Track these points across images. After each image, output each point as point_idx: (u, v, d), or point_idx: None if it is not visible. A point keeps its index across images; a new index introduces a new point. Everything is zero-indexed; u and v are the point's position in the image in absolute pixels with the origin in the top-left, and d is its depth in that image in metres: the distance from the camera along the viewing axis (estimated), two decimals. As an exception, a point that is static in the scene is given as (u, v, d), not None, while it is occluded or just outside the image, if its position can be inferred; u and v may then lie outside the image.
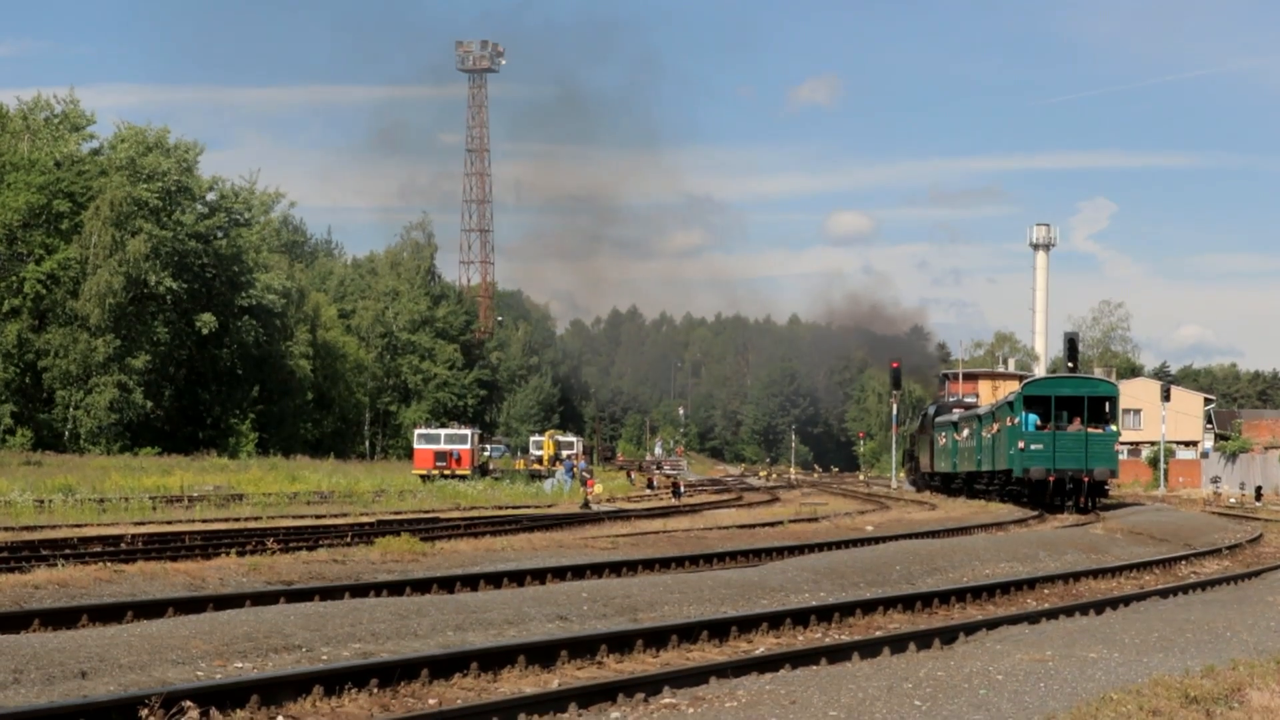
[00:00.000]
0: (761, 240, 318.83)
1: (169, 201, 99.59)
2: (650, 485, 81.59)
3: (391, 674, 13.31)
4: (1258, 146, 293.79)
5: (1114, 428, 47.20)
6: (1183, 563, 29.82)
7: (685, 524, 39.42)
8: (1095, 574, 26.12)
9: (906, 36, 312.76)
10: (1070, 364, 63.94)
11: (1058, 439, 45.72)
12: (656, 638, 16.08)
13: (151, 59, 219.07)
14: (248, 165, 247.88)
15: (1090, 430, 45.90)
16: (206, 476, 64.95)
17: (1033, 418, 46.61)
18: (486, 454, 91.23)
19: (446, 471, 75.42)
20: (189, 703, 11.56)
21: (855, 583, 22.80)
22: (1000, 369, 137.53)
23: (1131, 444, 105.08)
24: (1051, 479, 45.47)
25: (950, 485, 64.97)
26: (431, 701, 12.95)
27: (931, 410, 74.20)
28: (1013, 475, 48.32)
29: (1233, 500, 66.47)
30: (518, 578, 22.61)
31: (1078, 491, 45.96)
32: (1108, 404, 47.50)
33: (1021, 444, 46.18)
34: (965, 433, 61.09)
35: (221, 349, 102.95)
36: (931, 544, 29.26)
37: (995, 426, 53.24)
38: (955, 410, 68.65)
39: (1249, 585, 25.28)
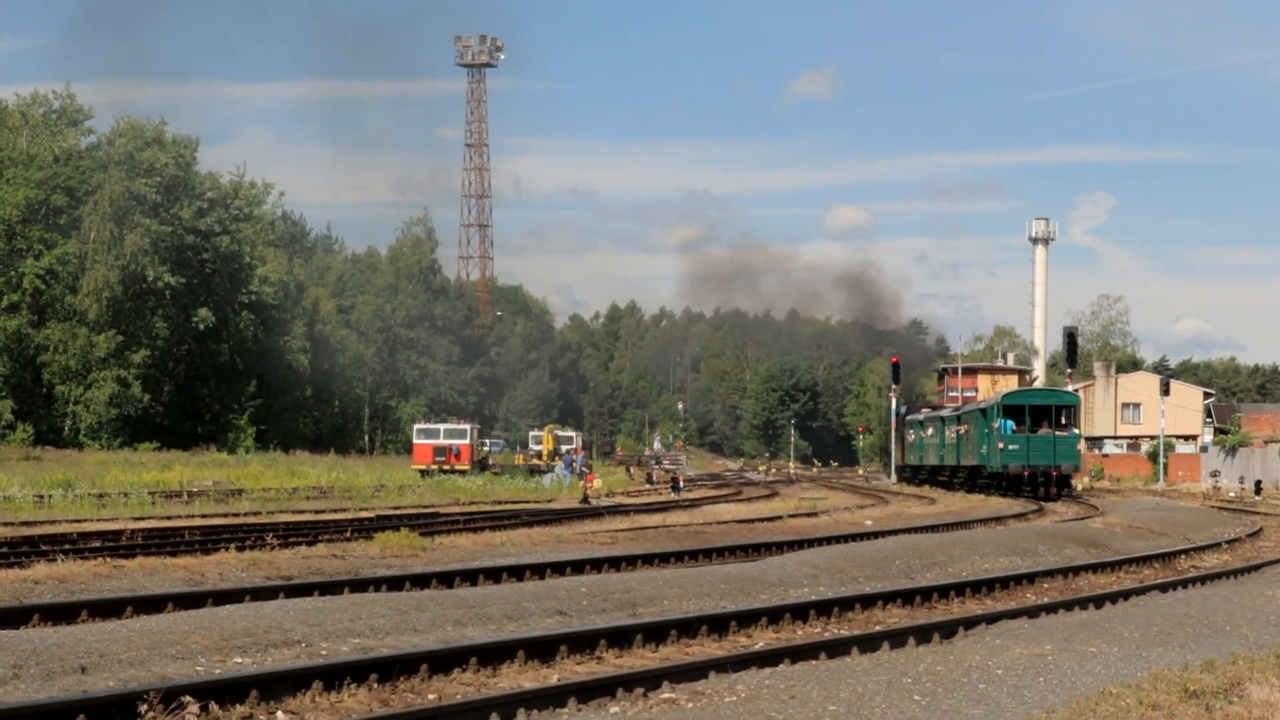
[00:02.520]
0: (761, 234, 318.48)
1: (167, 197, 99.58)
2: (649, 480, 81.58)
3: (391, 669, 13.31)
4: (1257, 140, 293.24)
5: (1076, 431, 56.74)
6: (1182, 557, 29.82)
7: (684, 519, 39.42)
8: (1094, 568, 26.15)
9: (904, 30, 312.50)
10: (1069, 359, 66.08)
11: (1032, 440, 54.62)
12: (656, 633, 16.09)
13: (150, 53, 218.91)
14: (246, 160, 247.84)
15: (1058, 433, 54.94)
16: (206, 472, 64.95)
17: (1009, 423, 55.33)
18: (486, 449, 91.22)
19: (446, 467, 75.41)
20: (188, 698, 11.56)
21: (854, 577, 22.81)
22: (999, 363, 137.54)
23: (1131, 438, 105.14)
24: (1026, 473, 54.60)
25: (917, 476, 75.18)
26: (431, 697, 12.95)
27: (903, 410, 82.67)
28: (985, 470, 57.86)
29: (1232, 494, 66.47)
30: (517, 573, 22.63)
31: (1048, 483, 54.56)
32: (1071, 411, 56.68)
33: (1001, 444, 54.98)
34: (930, 431, 71.98)
35: (220, 344, 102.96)
36: (930, 538, 29.29)
37: (963, 428, 62.85)
38: (922, 410, 78.71)
39: (1248, 579, 25.29)
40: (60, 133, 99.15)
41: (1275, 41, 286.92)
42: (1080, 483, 73.30)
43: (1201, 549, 31.63)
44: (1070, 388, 67.33)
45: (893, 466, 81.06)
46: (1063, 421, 55.74)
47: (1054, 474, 54.50)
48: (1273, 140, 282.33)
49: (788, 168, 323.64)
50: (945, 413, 70.34)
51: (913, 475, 75.96)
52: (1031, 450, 54.32)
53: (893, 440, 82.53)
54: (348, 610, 15.94)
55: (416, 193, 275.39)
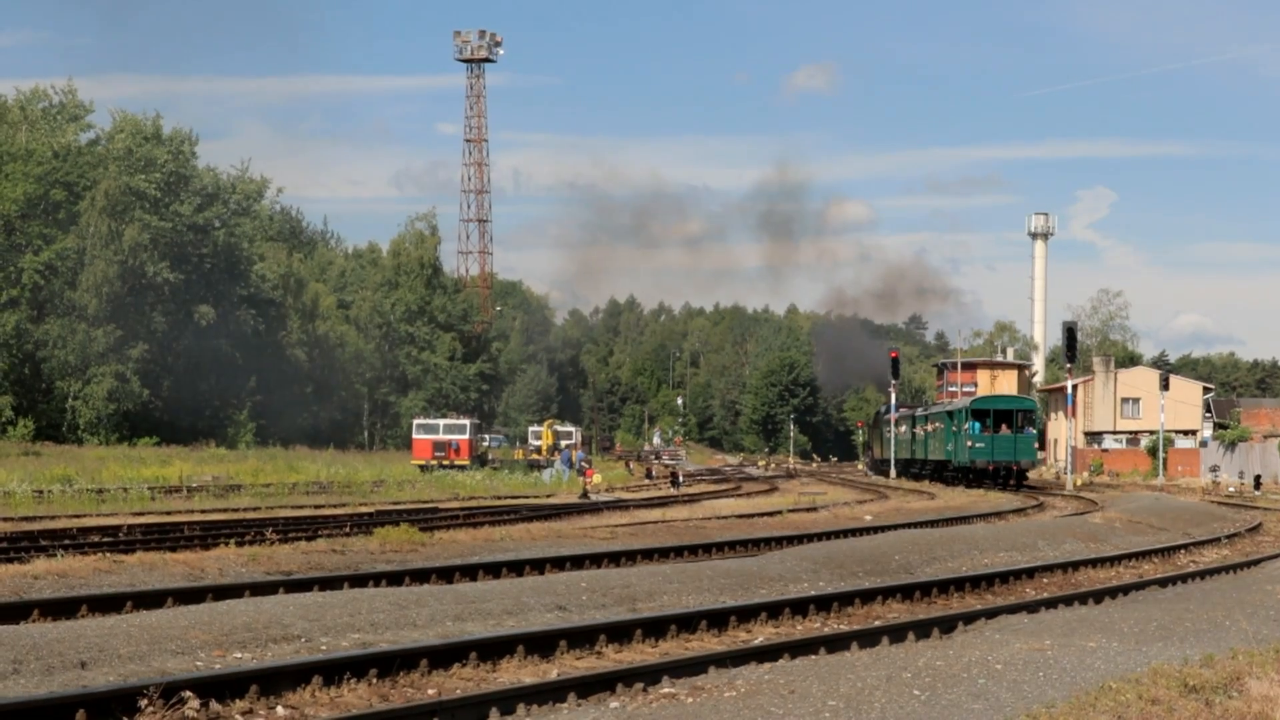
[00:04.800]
0: (761, 229, 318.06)
1: (167, 192, 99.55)
2: (649, 475, 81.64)
3: (390, 664, 13.31)
4: (1257, 135, 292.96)
5: (1033, 431, 66.18)
6: (1182, 552, 29.83)
7: (684, 514, 39.40)
8: (1094, 563, 26.15)
9: (904, 24, 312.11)
10: (1069, 354, 66.85)
11: (995, 439, 63.79)
12: (655, 627, 16.09)
13: (149, 48, 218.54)
14: (245, 155, 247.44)
15: (1018, 434, 63.97)
16: (205, 467, 64.88)
17: (976, 424, 64.30)
18: (485, 444, 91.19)
19: (445, 462, 75.41)
20: (188, 693, 11.57)
21: (854, 572, 22.80)
22: (999, 358, 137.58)
23: (1130, 433, 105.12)
24: (991, 467, 63.57)
25: (889, 467, 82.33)
26: (430, 692, 12.95)
27: (882, 409, 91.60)
28: (951, 464, 66.71)
29: (1231, 489, 66.52)
30: (516, 568, 22.63)
31: (1009, 476, 63.43)
32: (1029, 415, 66.28)
33: (970, 442, 63.84)
34: (903, 428, 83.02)
35: (220, 339, 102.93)
36: (930, 533, 29.29)
37: (931, 426, 72.90)
38: (900, 409, 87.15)
39: (1248, 574, 25.30)
40: (60, 128, 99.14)
41: (1275, 37, 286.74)
42: (1079, 478, 73.83)
43: (1201, 544, 31.64)
44: (1069, 383, 68.15)
45: (893, 461, 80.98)
46: (1021, 423, 64.43)
47: (1014, 468, 63.76)
48: (1273, 135, 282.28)
49: (785, 162, 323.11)
50: (916, 413, 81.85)
51: (886, 467, 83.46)
52: (995, 448, 63.59)
53: (892, 436, 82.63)
54: (347, 605, 15.94)
55: (415, 187, 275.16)
